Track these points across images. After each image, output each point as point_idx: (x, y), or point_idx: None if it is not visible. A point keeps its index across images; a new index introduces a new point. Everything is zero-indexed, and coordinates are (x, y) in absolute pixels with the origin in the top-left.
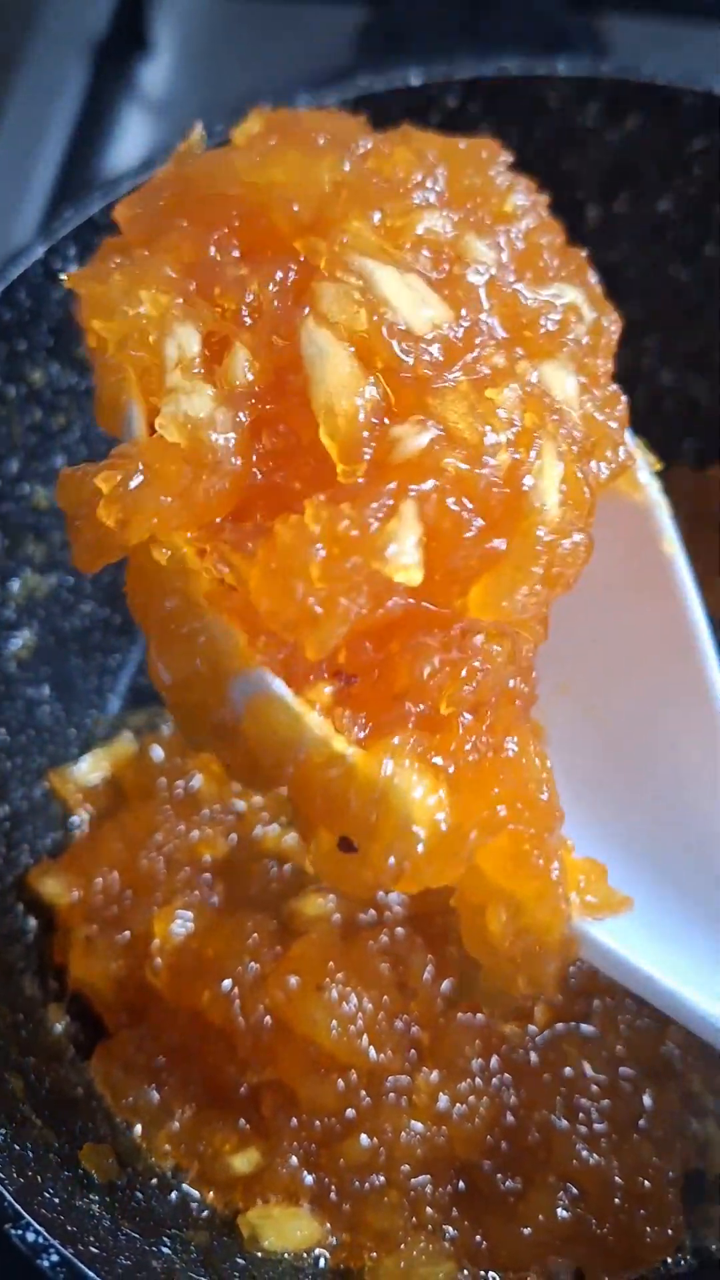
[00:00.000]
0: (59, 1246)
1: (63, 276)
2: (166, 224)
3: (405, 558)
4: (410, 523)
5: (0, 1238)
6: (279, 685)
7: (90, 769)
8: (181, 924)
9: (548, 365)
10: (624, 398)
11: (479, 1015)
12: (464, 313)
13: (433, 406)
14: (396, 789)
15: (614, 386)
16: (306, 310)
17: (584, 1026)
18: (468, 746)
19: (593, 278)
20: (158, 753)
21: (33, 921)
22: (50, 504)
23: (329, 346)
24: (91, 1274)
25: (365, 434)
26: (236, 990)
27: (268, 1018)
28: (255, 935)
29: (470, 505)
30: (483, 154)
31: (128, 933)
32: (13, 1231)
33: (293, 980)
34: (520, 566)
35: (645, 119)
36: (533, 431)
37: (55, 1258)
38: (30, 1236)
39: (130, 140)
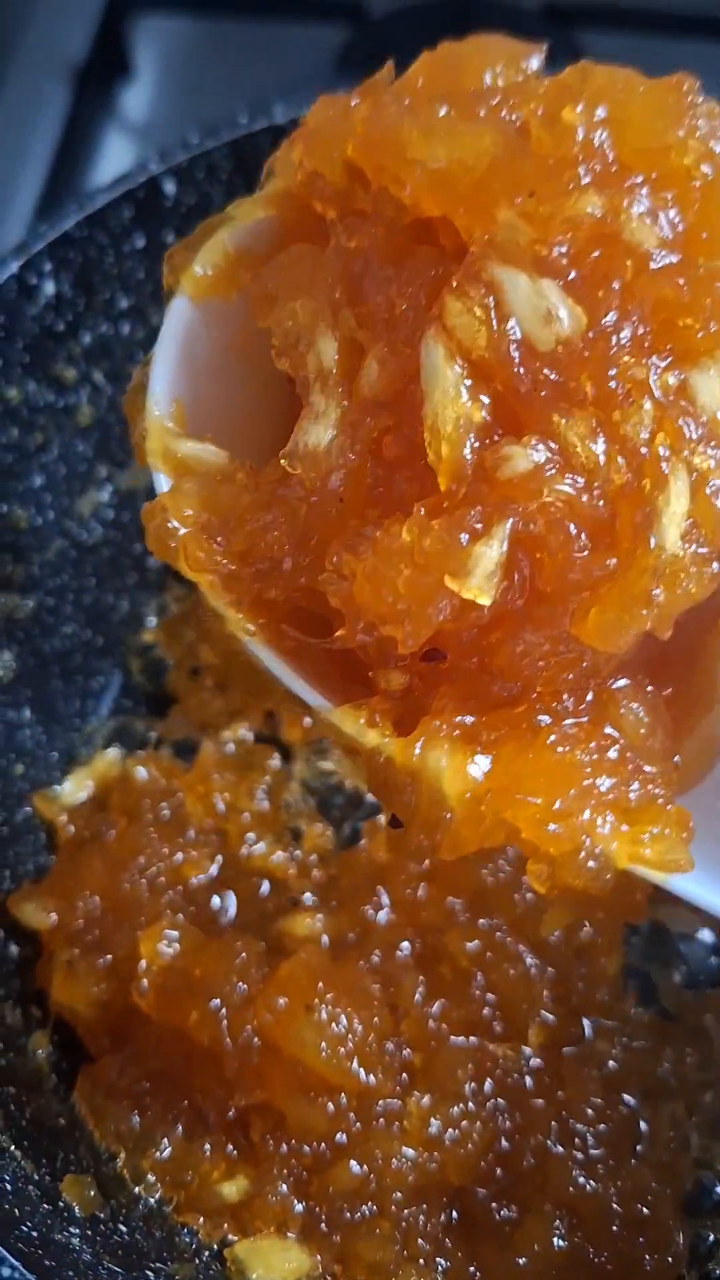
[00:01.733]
0: None
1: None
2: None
3: (476, 580)
4: (497, 545)
5: None
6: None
7: (73, 790)
8: (168, 944)
9: (697, 373)
10: None
11: (472, 1037)
12: (605, 317)
13: (554, 425)
14: (428, 771)
15: None
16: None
17: (579, 1048)
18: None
19: None
20: (142, 774)
21: (15, 948)
22: (29, 524)
23: (442, 365)
24: None
25: (469, 456)
26: (224, 1010)
27: (256, 1039)
28: (243, 955)
29: (579, 533)
30: (669, 100)
31: (110, 956)
32: None
33: (281, 1001)
34: (628, 608)
35: None
36: (662, 459)
37: None
38: (5, 1272)
39: (111, 162)
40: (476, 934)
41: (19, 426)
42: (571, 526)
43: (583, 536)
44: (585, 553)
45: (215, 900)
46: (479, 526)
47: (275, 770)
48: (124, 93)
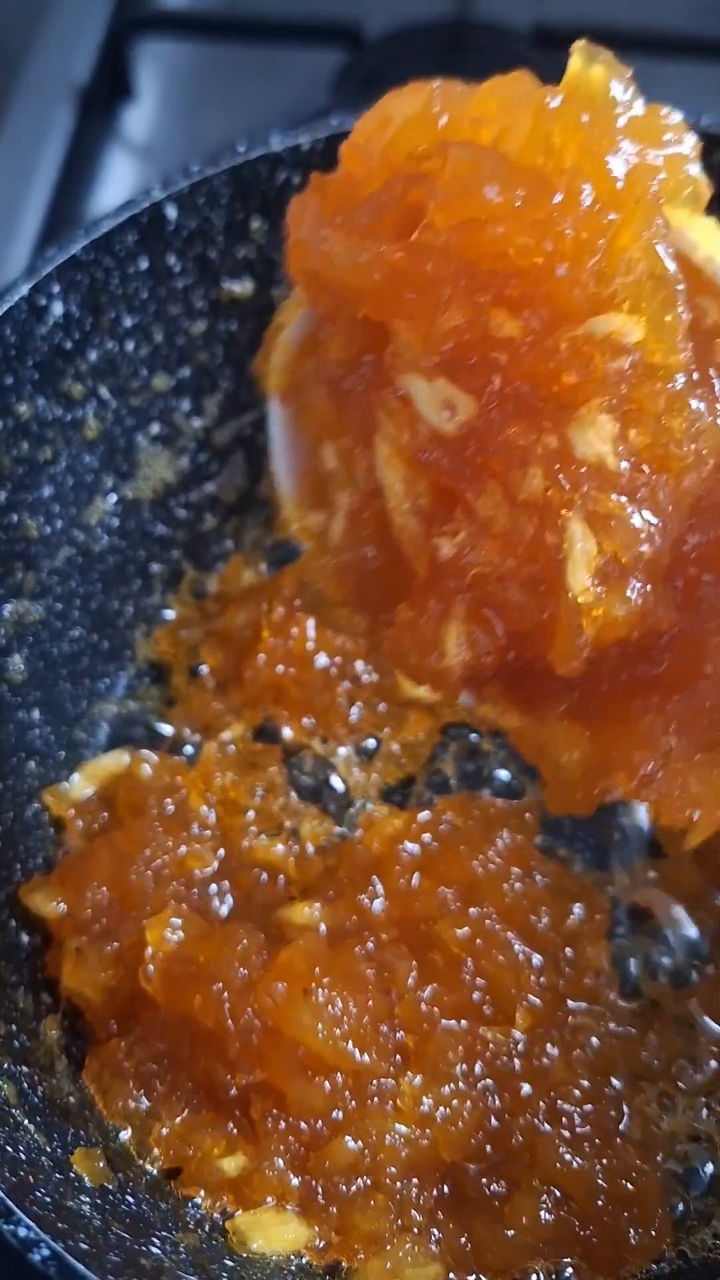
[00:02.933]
0: (50, 1241)
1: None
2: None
3: (451, 653)
4: (455, 626)
5: None
6: None
7: (81, 786)
8: (173, 932)
9: (572, 428)
10: None
11: (463, 1021)
12: (490, 400)
13: (471, 503)
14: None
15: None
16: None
17: (566, 1032)
18: None
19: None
20: (146, 771)
21: (26, 938)
22: (39, 533)
23: (384, 466)
24: (81, 1267)
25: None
26: (226, 994)
27: (257, 1021)
28: (245, 942)
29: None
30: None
31: (117, 944)
32: (4, 1226)
33: (280, 985)
34: (567, 644)
35: None
36: (556, 511)
37: (46, 1252)
38: (22, 1232)
39: (115, 182)
40: (467, 922)
41: (29, 440)
42: (510, 595)
43: (518, 590)
44: (526, 603)
45: (216, 890)
46: (441, 609)
47: (274, 768)
48: (127, 114)
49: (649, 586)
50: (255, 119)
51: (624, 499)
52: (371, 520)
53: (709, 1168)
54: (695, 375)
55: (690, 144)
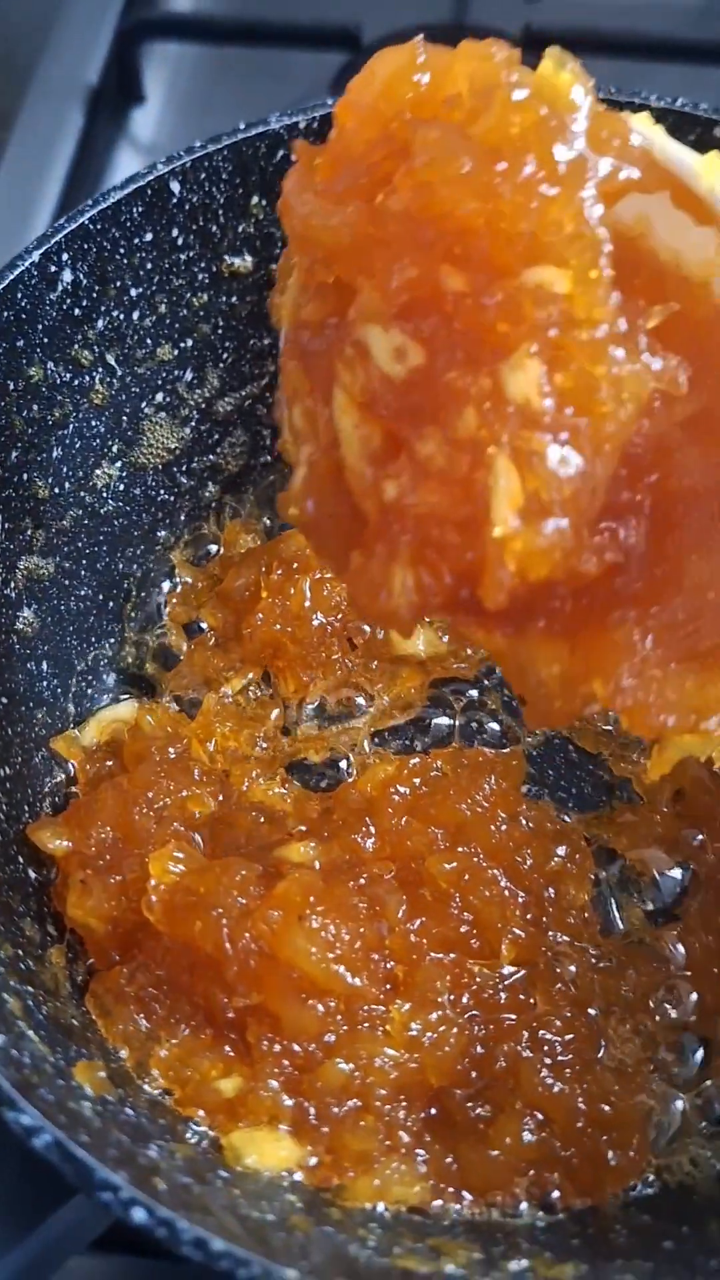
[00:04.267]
0: (52, 1128)
1: None
2: None
3: (398, 597)
4: (401, 572)
5: None
6: None
7: (90, 735)
8: (175, 864)
9: (505, 369)
10: None
11: (451, 954)
12: (440, 347)
13: (413, 445)
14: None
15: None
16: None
17: (548, 965)
18: None
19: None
20: (150, 722)
21: (34, 873)
22: (49, 493)
23: (341, 414)
24: (82, 1153)
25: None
26: (225, 921)
27: (254, 945)
28: (243, 873)
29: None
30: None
31: (120, 877)
32: (8, 1114)
33: (276, 913)
34: (491, 585)
35: None
36: (486, 449)
37: (48, 1138)
38: (25, 1119)
39: (123, 178)
40: (455, 858)
41: (39, 403)
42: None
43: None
44: (462, 543)
45: (216, 830)
46: (385, 553)
47: (271, 720)
48: (135, 115)
49: (568, 523)
50: (259, 119)
51: (548, 437)
52: (330, 471)
53: (679, 1103)
54: (624, 327)
55: (647, 139)
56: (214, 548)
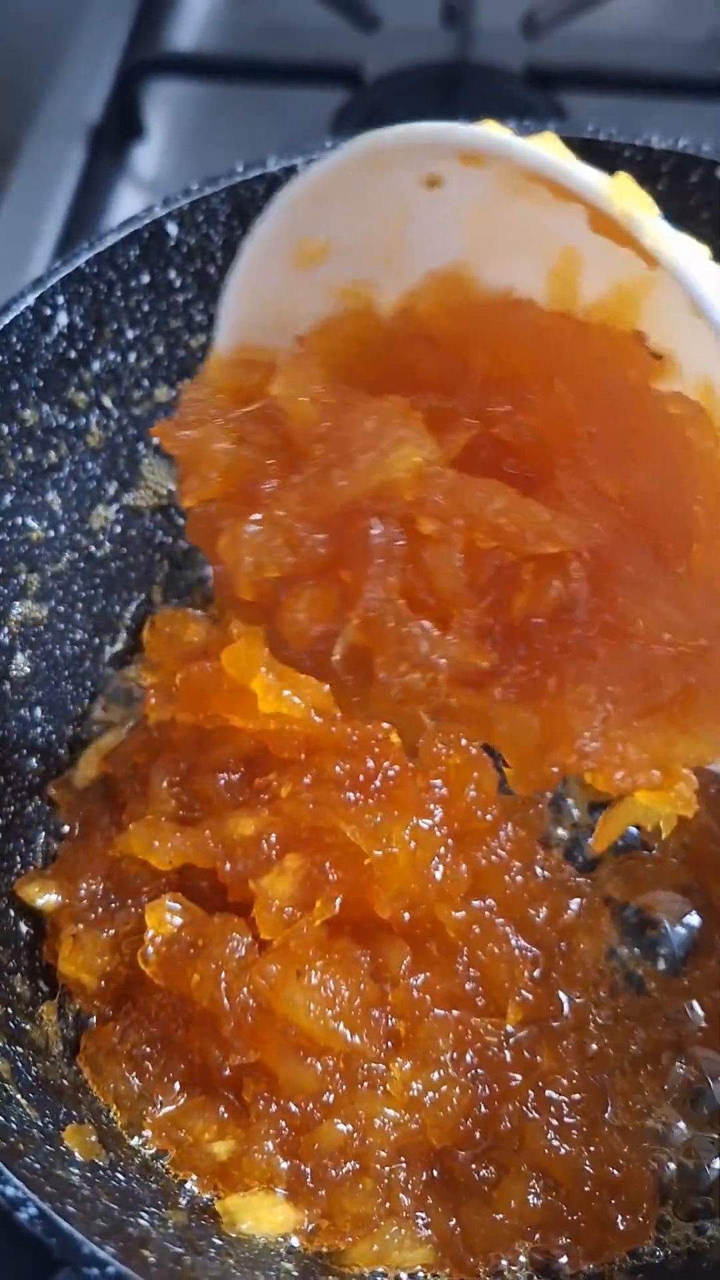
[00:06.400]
0: (37, 1201)
1: None
2: None
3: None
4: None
5: None
6: None
7: (85, 770)
8: (172, 916)
9: None
10: None
11: (455, 1011)
12: None
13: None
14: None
15: None
16: None
17: (556, 1024)
18: None
19: None
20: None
21: (25, 928)
22: (44, 536)
23: None
24: (67, 1226)
25: None
26: (223, 974)
27: (251, 1000)
28: (238, 926)
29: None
30: None
31: (113, 931)
32: None
33: (274, 967)
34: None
35: None
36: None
37: (33, 1210)
38: (10, 1191)
39: (124, 214)
40: (466, 908)
41: (34, 446)
42: None
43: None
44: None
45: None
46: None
47: None
48: (136, 151)
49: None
50: (260, 157)
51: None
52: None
53: (687, 1166)
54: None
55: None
56: (211, 590)
